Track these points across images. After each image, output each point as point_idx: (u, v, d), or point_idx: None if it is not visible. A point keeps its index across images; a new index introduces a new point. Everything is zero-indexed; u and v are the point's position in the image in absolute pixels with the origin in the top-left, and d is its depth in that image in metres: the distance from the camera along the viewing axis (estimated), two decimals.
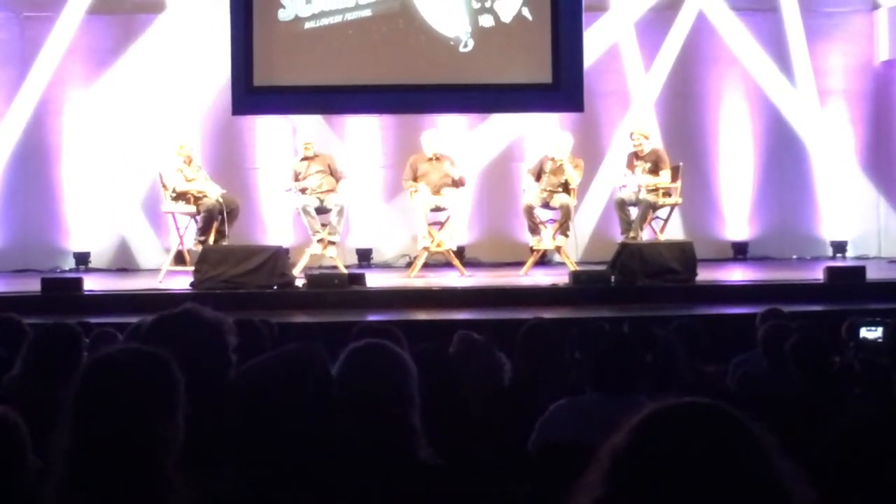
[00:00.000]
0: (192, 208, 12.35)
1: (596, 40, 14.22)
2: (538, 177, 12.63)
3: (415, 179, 12.64)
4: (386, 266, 14.05)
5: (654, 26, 14.47)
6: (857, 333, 7.34)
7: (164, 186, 12.49)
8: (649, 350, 5.37)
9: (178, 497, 2.48)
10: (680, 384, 5.46)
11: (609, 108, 14.49)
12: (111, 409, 2.56)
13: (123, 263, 14.09)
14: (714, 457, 1.70)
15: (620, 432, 1.77)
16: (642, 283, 11.27)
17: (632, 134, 12.92)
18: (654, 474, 1.70)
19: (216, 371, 3.54)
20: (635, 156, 12.78)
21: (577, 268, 12.19)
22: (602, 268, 11.81)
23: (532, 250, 12.74)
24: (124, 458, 2.52)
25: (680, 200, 12.85)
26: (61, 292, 11.00)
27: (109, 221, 14.14)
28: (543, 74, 13.48)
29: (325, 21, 13.49)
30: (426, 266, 12.91)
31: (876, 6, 14.62)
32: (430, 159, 12.68)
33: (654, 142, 13.24)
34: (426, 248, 12.55)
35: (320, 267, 12.50)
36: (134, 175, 14.11)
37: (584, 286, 11.25)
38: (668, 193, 12.70)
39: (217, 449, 3.14)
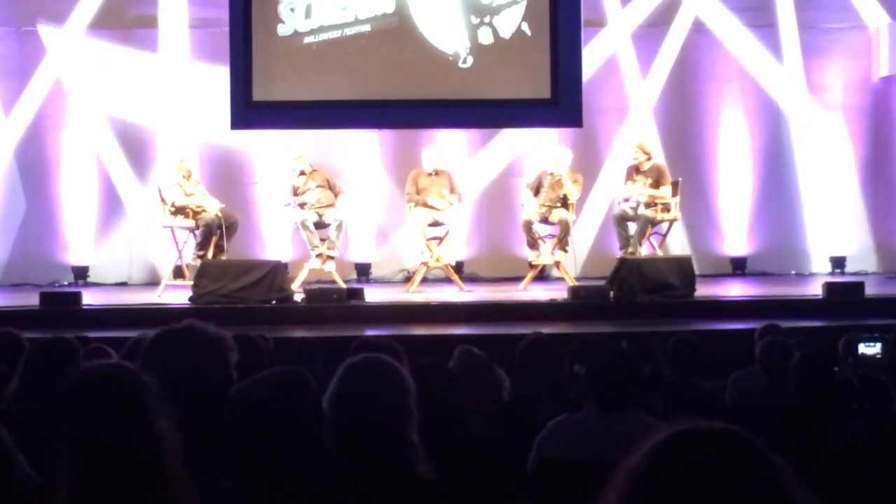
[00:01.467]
0: (191, 223, 12.35)
1: (594, 55, 14.22)
2: (537, 192, 12.64)
3: (417, 193, 12.65)
4: (384, 281, 14.04)
5: (653, 41, 14.47)
6: (856, 349, 7.34)
7: (163, 201, 12.49)
8: (647, 366, 5.37)
9: None
10: (677, 400, 5.47)
11: (608, 124, 14.50)
12: (99, 425, 2.56)
13: (123, 278, 14.09)
14: (732, 483, 1.70)
15: (636, 454, 1.76)
16: (641, 298, 11.27)
17: (633, 147, 12.88)
18: (672, 498, 1.69)
19: (216, 387, 3.54)
20: (636, 169, 12.75)
21: (576, 283, 12.18)
22: (601, 283, 11.80)
23: (531, 265, 12.74)
24: (126, 471, 2.51)
25: (679, 216, 12.85)
26: (60, 307, 11.00)
27: (109, 235, 14.14)
28: (542, 90, 13.48)
29: (324, 36, 13.49)
30: (425, 281, 12.92)
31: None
32: (430, 174, 12.70)
33: (656, 157, 13.23)
34: (425, 263, 12.55)
35: (319, 281, 12.49)
36: (133, 189, 14.12)
37: (583, 301, 11.25)
38: (666, 209, 12.68)
39: (217, 463, 3.13)
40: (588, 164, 13.84)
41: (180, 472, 2.56)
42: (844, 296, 11.30)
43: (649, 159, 12.74)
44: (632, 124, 14.38)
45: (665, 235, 12.90)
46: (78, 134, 14.12)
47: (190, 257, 12.35)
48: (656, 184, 12.63)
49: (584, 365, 5.17)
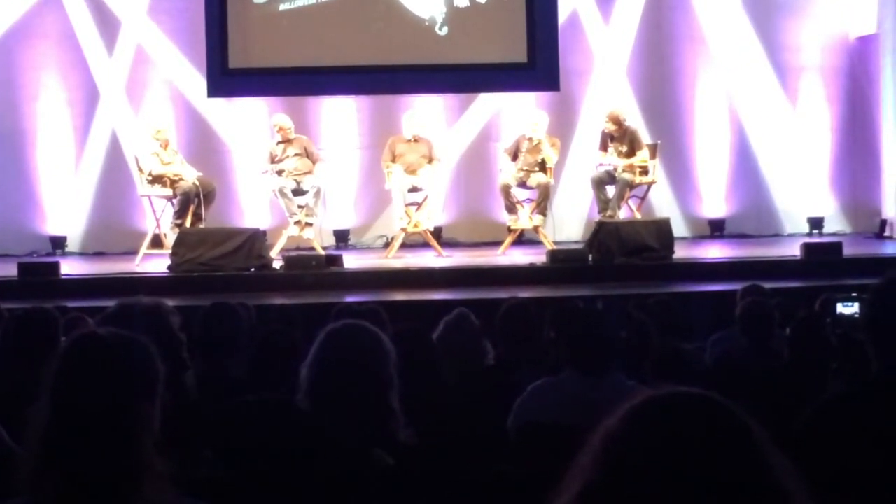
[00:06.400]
0: (169, 191, 12.31)
1: (568, 18, 14.16)
2: (515, 156, 12.61)
3: (393, 160, 12.62)
4: (363, 247, 14.02)
5: (628, 4, 14.42)
6: (834, 309, 7.38)
7: (141, 170, 12.45)
8: (624, 328, 5.38)
9: (154, 479, 2.47)
10: (656, 363, 5.48)
11: (584, 88, 14.45)
12: (92, 387, 2.54)
13: (101, 247, 14.02)
14: (708, 449, 1.70)
15: (613, 417, 1.76)
16: (620, 261, 11.29)
17: (605, 117, 12.83)
18: (647, 462, 1.69)
19: (171, 352, 3.53)
20: (610, 137, 12.72)
21: (555, 247, 12.19)
22: (579, 246, 11.81)
23: (509, 230, 12.74)
24: (100, 438, 2.50)
25: (657, 179, 12.85)
26: (38, 277, 10.97)
27: (86, 205, 14.07)
28: (519, 54, 13.46)
29: (300, 2, 13.43)
30: (403, 246, 12.89)
31: None
32: (409, 141, 12.67)
33: (631, 120, 13.19)
34: (403, 229, 12.53)
35: (297, 249, 12.47)
36: (109, 158, 14.04)
37: (562, 265, 11.26)
38: (644, 171, 12.68)
39: (196, 434, 3.13)
40: (565, 128, 13.82)
41: (151, 450, 2.55)
42: (823, 256, 11.36)
43: (620, 129, 12.68)
44: (604, 87, 14.32)
45: (643, 198, 12.90)
46: (54, 103, 14.03)
47: (168, 226, 12.31)
48: (631, 150, 12.60)
49: (560, 329, 5.17)
